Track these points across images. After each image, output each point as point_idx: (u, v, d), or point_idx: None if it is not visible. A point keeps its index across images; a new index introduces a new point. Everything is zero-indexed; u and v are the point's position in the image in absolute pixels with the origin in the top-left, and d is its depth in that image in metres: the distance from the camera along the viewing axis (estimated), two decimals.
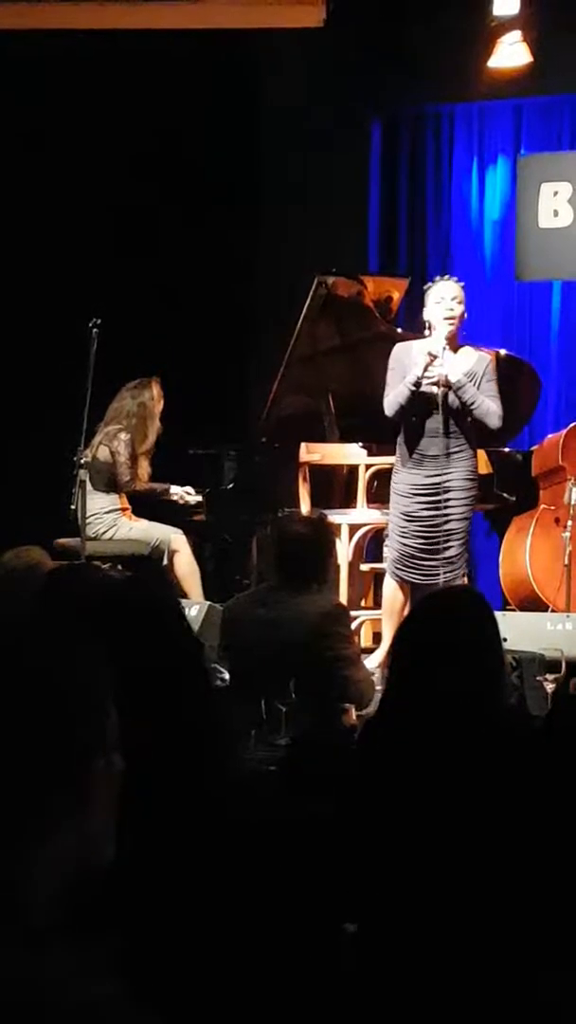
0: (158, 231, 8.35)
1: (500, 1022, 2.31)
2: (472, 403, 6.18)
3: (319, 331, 7.52)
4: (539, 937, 2.42)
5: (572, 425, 7.65)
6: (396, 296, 7.80)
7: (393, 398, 6.29)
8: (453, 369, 6.17)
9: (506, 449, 7.75)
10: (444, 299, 6.26)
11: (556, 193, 8.58)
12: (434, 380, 6.16)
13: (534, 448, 7.80)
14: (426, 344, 6.23)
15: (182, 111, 8.32)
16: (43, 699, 1.35)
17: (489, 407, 6.24)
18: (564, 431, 7.62)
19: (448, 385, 6.17)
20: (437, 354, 6.15)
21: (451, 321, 6.24)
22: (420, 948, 2.44)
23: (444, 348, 6.18)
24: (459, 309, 6.28)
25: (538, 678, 4.65)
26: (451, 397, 6.21)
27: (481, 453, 7.52)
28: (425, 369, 6.17)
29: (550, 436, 7.78)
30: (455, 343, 6.31)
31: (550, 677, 4.43)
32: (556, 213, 8.61)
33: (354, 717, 3.88)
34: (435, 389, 6.17)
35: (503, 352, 7.82)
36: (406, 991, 2.36)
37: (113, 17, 7.67)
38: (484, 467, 7.61)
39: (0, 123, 8.08)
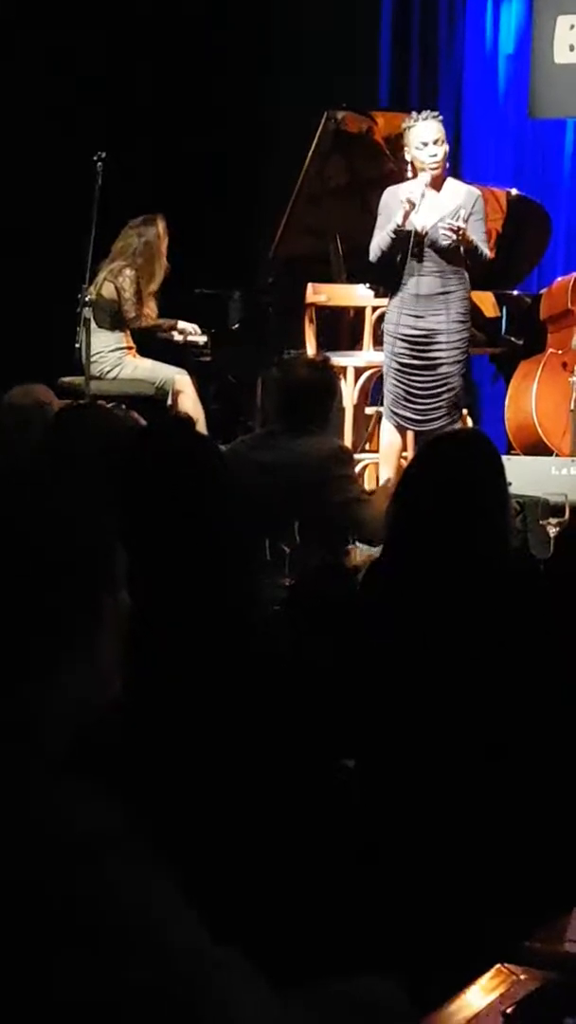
0: (164, 64, 8.16)
1: (494, 851, 2.36)
2: (451, 248, 6.11)
3: (328, 169, 7.39)
4: (533, 771, 2.46)
5: None
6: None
7: (376, 244, 6.24)
8: (429, 218, 6.07)
9: (514, 292, 7.66)
10: (427, 143, 6.15)
11: (573, 27, 8.37)
12: (414, 228, 6.09)
13: (543, 291, 7.71)
14: (407, 189, 6.14)
15: None
16: (52, 531, 1.35)
17: (482, 248, 6.17)
18: (574, 274, 7.52)
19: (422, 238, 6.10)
20: (416, 201, 6.06)
21: (434, 165, 6.14)
22: (417, 781, 2.47)
23: (423, 195, 6.08)
24: (442, 151, 6.18)
25: (541, 522, 4.66)
26: (439, 237, 6.13)
27: (489, 296, 7.46)
28: (405, 218, 6.08)
29: (559, 279, 7.69)
30: (440, 182, 6.21)
31: (554, 521, 4.43)
32: (572, 48, 8.39)
33: (358, 558, 3.90)
34: (419, 228, 6.10)
35: (514, 192, 7.70)
36: (405, 821, 2.40)
37: None
38: (491, 310, 7.53)
39: None
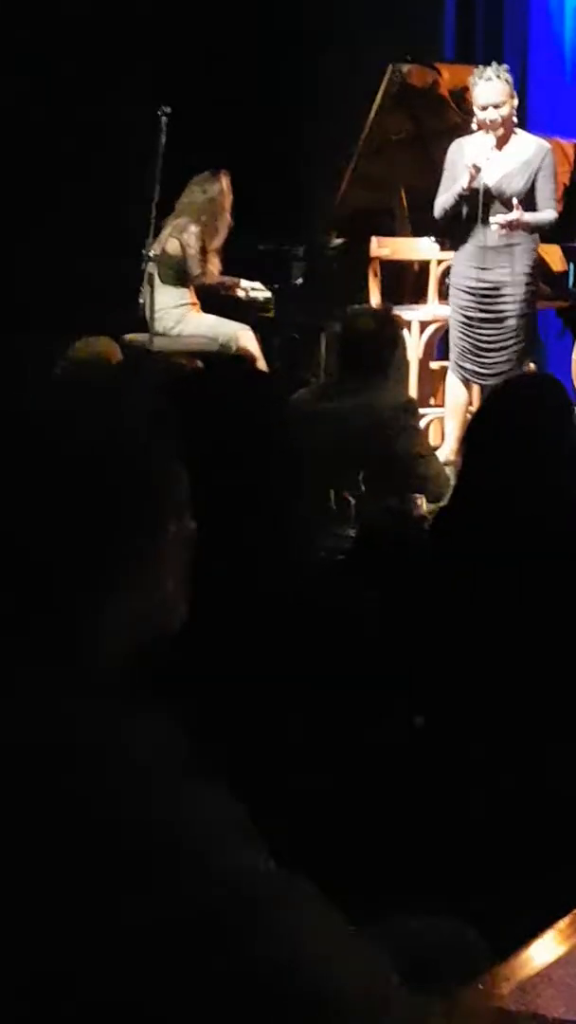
0: (228, 27, 8.08)
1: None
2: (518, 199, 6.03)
3: (392, 122, 7.32)
4: None
5: None
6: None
7: (440, 203, 6.18)
8: (496, 173, 6.00)
9: None
10: (488, 106, 6.04)
11: None
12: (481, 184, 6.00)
13: None
14: (474, 148, 6.03)
15: None
16: (120, 448, 1.34)
17: (537, 219, 6.08)
18: None
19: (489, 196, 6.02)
20: (480, 166, 5.98)
21: (495, 127, 6.03)
22: (480, 729, 2.45)
23: (488, 158, 5.98)
24: (506, 111, 6.06)
25: None
26: (505, 190, 6.04)
27: (556, 249, 7.36)
28: (470, 182, 6.00)
29: None
30: (507, 138, 6.10)
31: None
32: None
33: (424, 508, 3.87)
34: (486, 185, 6.02)
35: None
36: (473, 763, 2.38)
37: None
38: (559, 264, 7.44)
39: None
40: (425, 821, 2.21)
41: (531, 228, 6.12)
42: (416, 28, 8.21)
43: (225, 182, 7.15)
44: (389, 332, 4.95)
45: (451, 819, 2.28)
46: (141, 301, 6.65)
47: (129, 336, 6.72)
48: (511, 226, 6.02)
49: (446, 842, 2.21)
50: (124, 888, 1.16)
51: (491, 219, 6.04)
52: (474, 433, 2.82)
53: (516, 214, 6.01)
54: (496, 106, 6.04)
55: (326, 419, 4.53)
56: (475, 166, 6.00)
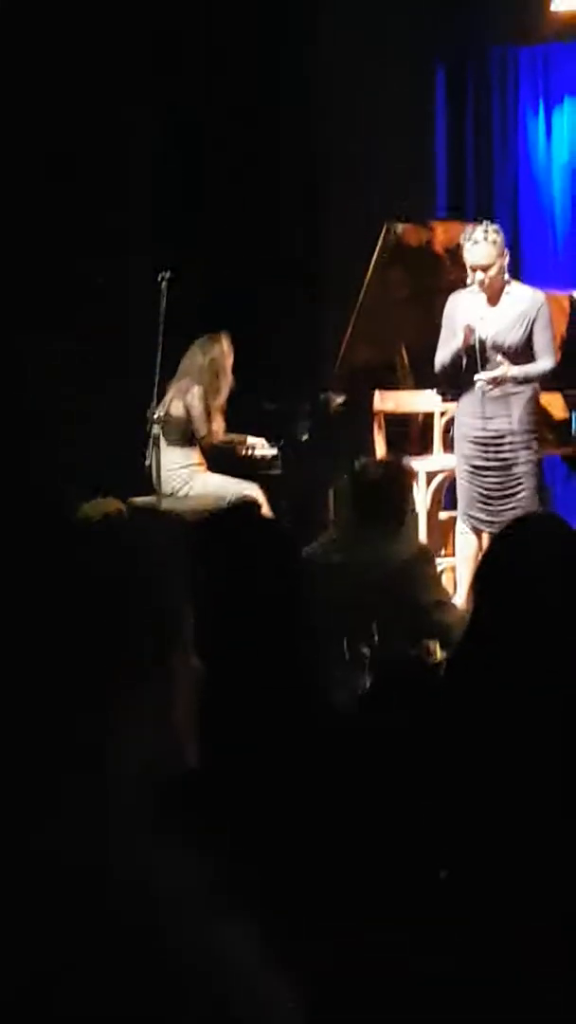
0: (225, 185, 8.27)
1: None
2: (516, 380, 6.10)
3: (390, 280, 7.44)
4: None
5: None
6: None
7: (439, 360, 6.26)
8: (491, 328, 6.06)
9: None
10: (477, 259, 6.13)
11: None
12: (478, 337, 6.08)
13: None
14: (469, 304, 6.10)
15: (235, 57, 8.22)
16: (124, 578, 1.33)
17: (526, 371, 6.14)
18: None
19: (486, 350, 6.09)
20: (475, 327, 6.07)
21: (485, 287, 6.12)
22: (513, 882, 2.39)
23: (482, 317, 6.09)
24: (494, 272, 6.14)
25: None
26: (501, 343, 6.12)
27: (557, 397, 7.43)
28: (466, 341, 6.08)
29: None
30: (499, 293, 6.18)
31: None
32: None
33: (439, 655, 3.84)
34: (482, 338, 6.09)
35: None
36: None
37: None
38: (560, 411, 7.50)
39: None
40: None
41: (520, 380, 6.17)
42: (409, 186, 8.40)
43: (225, 342, 7.24)
44: (401, 482, 4.98)
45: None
46: (148, 463, 6.70)
47: (135, 500, 6.75)
48: (495, 382, 6.09)
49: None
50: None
51: (475, 377, 6.09)
52: (482, 574, 2.81)
53: (502, 370, 6.07)
54: (484, 268, 6.13)
55: (341, 571, 4.53)
56: (469, 327, 6.08)
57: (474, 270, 6.16)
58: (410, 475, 6.04)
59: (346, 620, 4.33)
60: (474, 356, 6.14)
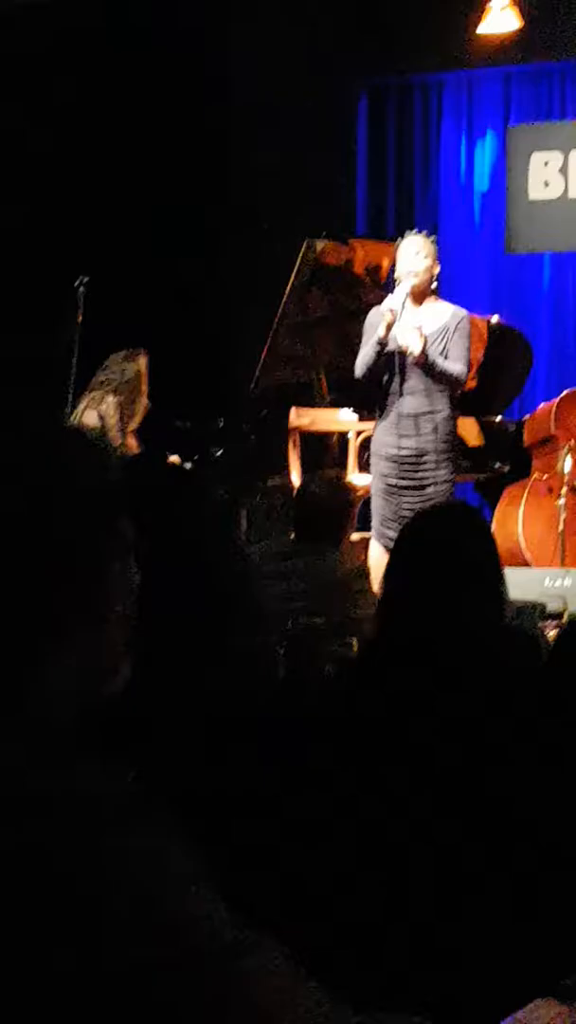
0: (145, 194, 8.22)
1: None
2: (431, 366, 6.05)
3: (308, 301, 7.40)
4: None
5: (565, 393, 7.56)
6: (385, 263, 7.65)
7: (361, 359, 6.18)
8: (411, 336, 6.00)
9: (497, 419, 7.65)
10: (408, 253, 6.12)
11: (547, 163, 8.52)
12: (398, 347, 6.03)
13: (526, 418, 7.71)
14: (388, 300, 6.09)
15: (161, 88, 8.20)
16: (61, 477, 1.27)
17: (446, 368, 6.08)
18: (556, 400, 7.54)
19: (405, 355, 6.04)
20: (395, 308, 6.01)
21: (414, 274, 6.08)
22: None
23: (404, 305, 6.03)
24: (424, 262, 6.09)
25: (539, 626, 4.55)
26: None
27: (473, 423, 7.43)
28: (387, 329, 6.02)
29: (542, 404, 7.70)
30: (423, 297, 6.15)
31: (551, 623, 4.32)
32: (547, 184, 8.54)
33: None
34: (402, 346, 6.04)
35: (495, 319, 7.73)
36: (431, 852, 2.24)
37: None
38: (475, 438, 7.51)
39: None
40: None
41: (437, 373, 6.07)
42: (328, 207, 8.40)
43: (143, 362, 7.11)
44: (342, 498, 4.95)
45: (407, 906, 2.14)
46: None
47: None
48: (418, 363, 6.00)
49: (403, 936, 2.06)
50: (72, 937, 1.09)
51: (393, 335, 5.99)
52: (391, 564, 2.75)
53: (421, 341, 5.97)
54: (415, 253, 6.08)
55: (275, 577, 4.47)
56: (391, 310, 6.00)
57: (406, 256, 6.10)
58: (354, 491, 5.97)
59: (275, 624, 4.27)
60: (394, 367, 6.09)
